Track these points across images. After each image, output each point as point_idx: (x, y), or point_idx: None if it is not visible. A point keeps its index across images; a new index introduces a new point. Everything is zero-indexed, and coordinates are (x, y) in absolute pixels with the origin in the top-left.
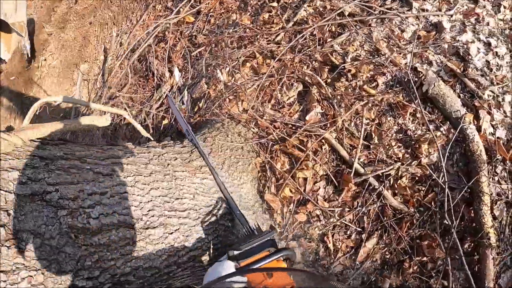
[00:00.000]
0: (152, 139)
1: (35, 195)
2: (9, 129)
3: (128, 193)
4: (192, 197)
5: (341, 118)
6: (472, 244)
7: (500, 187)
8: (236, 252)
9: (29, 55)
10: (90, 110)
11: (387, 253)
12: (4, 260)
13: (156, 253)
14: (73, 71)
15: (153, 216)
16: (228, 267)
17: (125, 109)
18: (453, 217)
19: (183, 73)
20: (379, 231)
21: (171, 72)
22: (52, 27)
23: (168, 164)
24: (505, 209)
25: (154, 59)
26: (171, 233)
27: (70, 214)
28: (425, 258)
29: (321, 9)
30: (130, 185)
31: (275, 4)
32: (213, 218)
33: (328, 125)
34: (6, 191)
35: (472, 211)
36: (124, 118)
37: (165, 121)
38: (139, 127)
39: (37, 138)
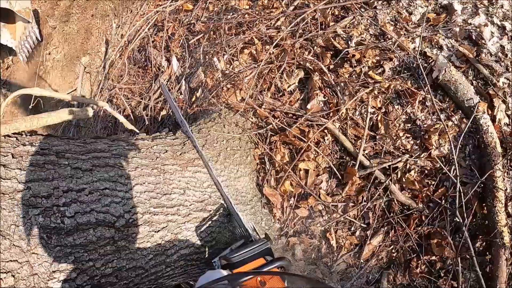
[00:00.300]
0: (137, 131)
1: (5, 194)
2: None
3: (109, 189)
4: (182, 192)
5: (344, 106)
6: (484, 243)
7: None
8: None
9: (39, 39)
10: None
11: (393, 251)
12: None
13: (140, 252)
14: (77, 64)
15: (136, 213)
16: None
17: (124, 101)
18: (465, 214)
19: (181, 62)
20: (385, 228)
21: (169, 61)
22: (56, 21)
23: (157, 157)
24: None
25: (152, 49)
26: (157, 231)
27: (42, 213)
28: (434, 257)
29: None
30: (111, 181)
31: None
32: (206, 214)
33: (331, 114)
34: None
35: (485, 208)
36: (124, 109)
37: (163, 112)
38: (122, 119)
39: (13, 133)
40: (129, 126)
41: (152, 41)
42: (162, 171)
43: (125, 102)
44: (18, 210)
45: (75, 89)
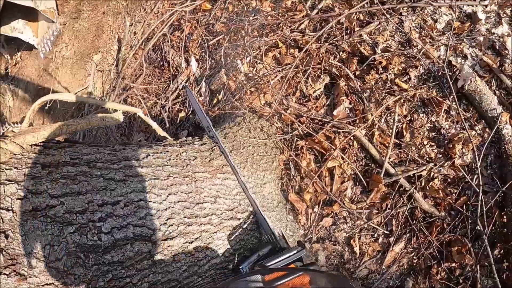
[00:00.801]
0: (169, 137)
1: (37, 211)
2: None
3: (144, 200)
4: (213, 201)
5: (371, 114)
6: (502, 251)
7: None
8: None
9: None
10: (105, 100)
11: (414, 257)
12: None
13: (175, 265)
14: (87, 61)
15: (172, 225)
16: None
17: (140, 101)
18: (485, 223)
19: (200, 63)
20: (408, 235)
21: (187, 62)
22: (66, 17)
23: (187, 164)
24: None
25: (169, 49)
26: (191, 242)
27: (78, 230)
28: (454, 264)
29: None
30: (146, 191)
31: None
32: (236, 223)
33: (357, 121)
34: (2, 208)
35: (504, 217)
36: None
37: (182, 114)
38: (155, 125)
39: (40, 142)
40: (162, 133)
41: (168, 41)
42: (193, 179)
43: (142, 101)
44: (52, 229)
45: (87, 87)
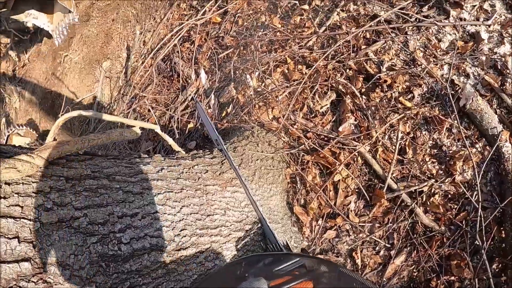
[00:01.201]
0: (184, 152)
1: (62, 222)
2: (30, 122)
3: (159, 212)
4: (223, 213)
5: (376, 132)
6: (500, 265)
7: None
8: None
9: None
10: (112, 108)
11: (414, 270)
12: None
13: (187, 273)
14: (95, 67)
15: (185, 236)
16: (263, 284)
17: (149, 110)
18: (484, 238)
19: (210, 75)
20: (408, 248)
21: (197, 74)
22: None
23: (199, 177)
24: None
25: (179, 60)
26: (202, 252)
27: (100, 240)
28: (452, 278)
29: (354, 13)
30: (161, 204)
31: (306, 7)
32: (244, 234)
33: (362, 138)
34: (30, 219)
35: (503, 232)
36: (148, 119)
37: (191, 125)
38: (171, 141)
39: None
40: (177, 148)
41: (178, 51)
42: (205, 192)
43: (151, 110)
44: (76, 239)
45: (95, 93)
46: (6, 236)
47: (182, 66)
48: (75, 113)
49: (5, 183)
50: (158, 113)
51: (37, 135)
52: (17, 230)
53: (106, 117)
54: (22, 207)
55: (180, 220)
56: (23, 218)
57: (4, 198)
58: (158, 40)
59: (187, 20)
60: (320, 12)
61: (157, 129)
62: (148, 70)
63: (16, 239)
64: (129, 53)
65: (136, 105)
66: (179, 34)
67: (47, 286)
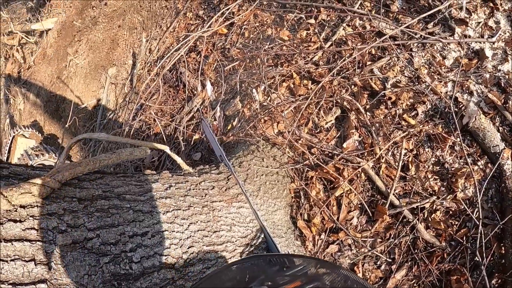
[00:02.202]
0: (191, 170)
1: (76, 243)
2: (34, 124)
3: (168, 230)
4: (229, 229)
5: (379, 148)
6: (500, 280)
7: None
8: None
9: None
10: (118, 114)
11: (415, 285)
12: None
13: None
14: (101, 73)
15: (192, 253)
16: None
17: (154, 120)
18: (484, 254)
19: (215, 87)
20: (409, 263)
21: (203, 85)
22: (82, 23)
23: (205, 194)
24: None
25: (186, 70)
26: (209, 268)
27: (112, 260)
28: None
29: (360, 29)
30: (169, 222)
31: (312, 21)
32: (249, 249)
33: (366, 154)
34: (45, 242)
35: (503, 248)
36: (152, 130)
37: (196, 136)
38: (180, 160)
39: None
40: (185, 166)
41: (184, 61)
42: (211, 208)
43: (156, 120)
44: (89, 259)
45: (100, 99)
46: (23, 259)
47: (188, 76)
48: (86, 135)
49: (20, 206)
50: (163, 122)
51: (42, 137)
52: (33, 253)
53: (118, 139)
54: (37, 230)
55: (187, 238)
56: (38, 241)
57: (20, 221)
58: (164, 49)
59: (193, 29)
60: (326, 27)
61: (167, 149)
62: (153, 79)
63: (33, 262)
64: (135, 60)
65: (142, 116)
66: (186, 45)
67: None
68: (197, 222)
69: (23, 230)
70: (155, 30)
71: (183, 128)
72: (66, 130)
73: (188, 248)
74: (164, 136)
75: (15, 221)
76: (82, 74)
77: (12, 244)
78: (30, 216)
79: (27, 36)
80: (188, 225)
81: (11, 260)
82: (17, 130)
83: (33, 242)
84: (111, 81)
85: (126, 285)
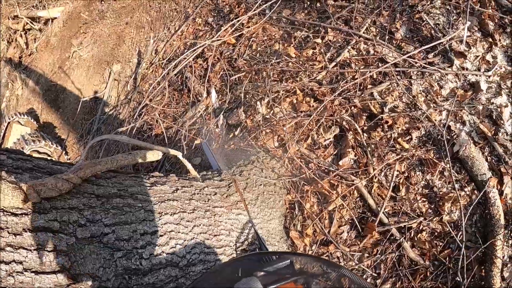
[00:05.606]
0: (199, 176)
1: (94, 237)
2: (31, 112)
3: (174, 231)
4: (228, 234)
5: (373, 169)
6: None
7: None
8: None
9: None
10: (118, 111)
11: None
12: None
13: None
14: (104, 68)
15: (195, 253)
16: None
17: (157, 121)
18: (465, 275)
19: (220, 95)
20: (394, 279)
21: (208, 92)
22: (89, 16)
23: (208, 199)
24: None
25: (192, 76)
26: (208, 269)
27: (125, 255)
28: None
29: (364, 52)
30: (176, 223)
31: (319, 40)
32: (244, 254)
33: (360, 173)
34: (67, 234)
35: (483, 271)
36: (154, 129)
37: (197, 141)
38: (189, 166)
39: None
40: (194, 173)
41: (190, 66)
42: (213, 213)
43: (160, 121)
44: (104, 253)
45: (101, 93)
46: (45, 249)
47: (193, 82)
48: (109, 136)
49: (44, 199)
50: (166, 124)
51: (37, 125)
52: (55, 244)
53: (139, 143)
54: (60, 222)
55: (191, 239)
56: (60, 232)
57: (44, 213)
58: (170, 51)
59: (201, 35)
60: (331, 48)
61: (179, 155)
62: (158, 80)
63: (54, 252)
64: (140, 59)
65: (147, 116)
66: (195, 53)
67: None
68: (200, 225)
69: (46, 221)
70: (163, 31)
71: (186, 132)
72: (64, 121)
73: (191, 249)
74: (165, 138)
75: (39, 212)
76: (84, 66)
77: (36, 234)
78: (54, 209)
79: (32, 22)
80: (192, 227)
81: (34, 250)
82: (12, 117)
83: (56, 234)
84: (114, 78)
85: (136, 280)
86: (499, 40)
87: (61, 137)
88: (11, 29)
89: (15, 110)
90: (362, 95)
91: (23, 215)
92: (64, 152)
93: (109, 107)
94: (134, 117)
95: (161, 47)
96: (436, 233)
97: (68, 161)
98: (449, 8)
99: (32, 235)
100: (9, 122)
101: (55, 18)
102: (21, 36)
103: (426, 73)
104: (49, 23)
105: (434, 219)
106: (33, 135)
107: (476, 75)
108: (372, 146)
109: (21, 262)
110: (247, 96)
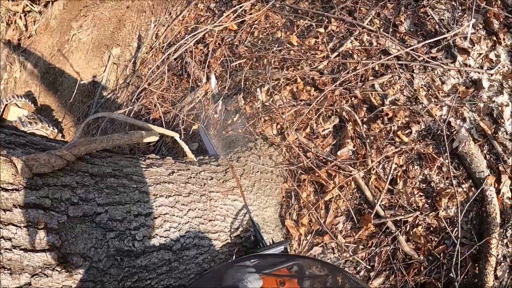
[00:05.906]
0: (195, 160)
1: (86, 216)
2: (28, 94)
3: (169, 214)
4: (223, 219)
5: (371, 160)
6: None
7: (507, 250)
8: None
9: None
10: (117, 94)
11: None
12: (54, 284)
13: (185, 272)
14: (104, 51)
15: (189, 237)
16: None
17: (155, 105)
18: (459, 271)
19: (220, 81)
20: (387, 272)
21: (207, 77)
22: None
23: (204, 183)
24: (508, 271)
25: (192, 61)
26: (202, 254)
27: (117, 236)
28: None
29: (367, 44)
30: (171, 206)
31: (322, 30)
32: (239, 241)
33: (358, 164)
34: (58, 212)
35: (477, 268)
36: (152, 114)
37: (195, 127)
38: (186, 148)
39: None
40: (191, 155)
41: (191, 51)
42: (209, 198)
43: (158, 105)
44: (96, 233)
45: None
46: (35, 226)
47: (193, 67)
48: (102, 114)
49: (36, 175)
50: (164, 109)
51: (34, 108)
52: (46, 221)
53: (135, 122)
54: (51, 199)
55: (186, 223)
56: (52, 210)
57: (35, 189)
58: (171, 36)
59: (203, 21)
60: (334, 38)
61: (177, 137)
62: (157, 64)
63: (45, 230)
64: (140, 43)
65: (145, 100)
66: (195, 37)
67: (68, 275)
68: (195, 209)
69: (37, 198)
70: (164, 16)
71: (184, 117)
72: (61, 104)
73: (186, 232)
74: (163, 122)
75: (31, 188)
76: (84, 50)
77: (27, 211)
78: (46, 185)
79: (32, 4)
80: (187, 211)
81: (24, 227)
82: (9, 99)
83: (47, 211)
84: (114, 61)
85: (128, 262)
86: (503, 39)
87: (59, 120)
88: (10, 11)
89: (12, 93)
90: (363, 86)
91: (14, 191)
92: (61, 134)
93: (107, 91)
94: (132, 101)
95: (161, 31)
96: (431, 228)
97: (63, 140)
98: (455, 4)
99: (23, 212)
100: (6, 104)
101: (56, 0)
102: (20, 18)
103: (429, 67)
104: (49, 6)
105: (430, 214)
106: (30, 117)
107: (479, 73)
108: (371, 138)
109: (10, 239)
110: (247, 82)
